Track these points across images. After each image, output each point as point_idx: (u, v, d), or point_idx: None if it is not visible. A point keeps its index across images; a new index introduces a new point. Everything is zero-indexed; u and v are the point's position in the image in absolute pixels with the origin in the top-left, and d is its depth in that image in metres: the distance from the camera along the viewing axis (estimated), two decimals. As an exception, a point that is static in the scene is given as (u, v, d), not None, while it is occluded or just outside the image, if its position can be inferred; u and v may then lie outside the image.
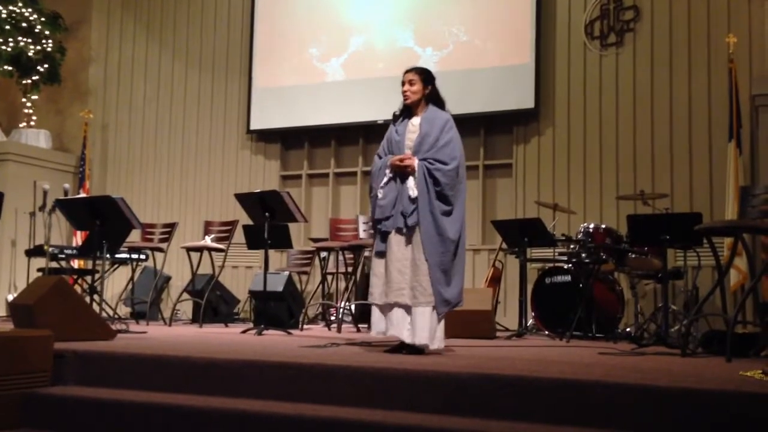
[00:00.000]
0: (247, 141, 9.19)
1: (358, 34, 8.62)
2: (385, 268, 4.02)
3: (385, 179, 4.07)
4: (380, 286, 4.03)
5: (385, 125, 4.38)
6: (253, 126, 9.01)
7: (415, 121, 4.19)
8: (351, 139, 8.72)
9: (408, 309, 3.96)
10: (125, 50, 10.02)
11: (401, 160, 4.03)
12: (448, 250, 3.95)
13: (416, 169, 4.01)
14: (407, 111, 4.25)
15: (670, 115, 7.32)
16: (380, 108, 8.09)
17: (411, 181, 4.02)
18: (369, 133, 8.54)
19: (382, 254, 4.05)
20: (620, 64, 7.56)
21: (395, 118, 4.29)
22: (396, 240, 4.00)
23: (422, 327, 3.92)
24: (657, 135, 7.34)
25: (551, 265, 6.47)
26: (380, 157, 4.23)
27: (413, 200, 3.99)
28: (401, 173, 4.03)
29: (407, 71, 4.24)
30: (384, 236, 4.04)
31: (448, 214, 3.98)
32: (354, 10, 8.69)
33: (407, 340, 3.95)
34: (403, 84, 4.21)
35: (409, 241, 3.99)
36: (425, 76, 4.22)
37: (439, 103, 4.23)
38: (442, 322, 4.02)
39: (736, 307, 4.19)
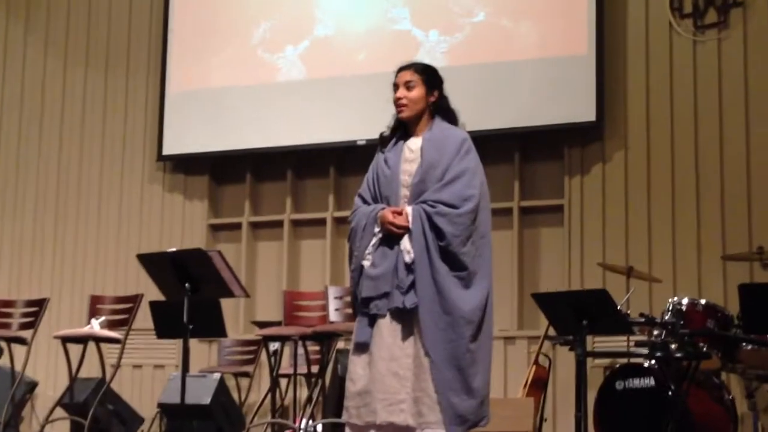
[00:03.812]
0: (157, 172, 9.22)
1: (326, 12, 8.70)
2: (370, 367, 4.02)
3: (374, 240, 4.12)
4: (359, 397, 4.03)
5: (370, 148, 4.43)
6: (168, 149, 9.05)
7: (414, 143, 4.23)
8: (317, 169, 8.76)
9: (410, 432, 3.97)
10: (-28, 35, 10.08)
11: (397, 217, 4.08)
12: (462, 336, 3.97)
13: (410, 216, 4.05)
14: (401, 129, 4.28)
15: (801, 130, 7.40)
16: (361, 121, 8.14)
17: (406, 238, 4.06)
18: (345, 160, 8.60)
19: (364, 347, 4.06)
20: (724, 53, 7.64)
21: (383, 140, 4.32)
22: (390, 327, 4.03)
23: (430, 460, 3.92)
24: (783, 161, 7.41)
25: (624, 361, 6.44)
26: (364, 201, 4.26)
27: (409, 267, 4.03)
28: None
29: (401, 69, 4.29)
30: (372, 320, 4.07)
31: (462, 281, 4.02)
32: (321, -25, 8.80)
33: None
34: (395, 88, 4.25)
35: (409, 329, 4.02)
36: (429, 76, 4.27)
37: (450, 116, 4.29)
38: (460, 452, 4.02)
39: None
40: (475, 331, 4.00)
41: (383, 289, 4.03)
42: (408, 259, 4.03)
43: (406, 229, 4.06)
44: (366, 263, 4.11)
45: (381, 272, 4.06)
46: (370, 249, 4.11)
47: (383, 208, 4.14)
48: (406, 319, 4.02)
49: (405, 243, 4.05)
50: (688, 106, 7.69)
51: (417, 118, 4.23)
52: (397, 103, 4.22)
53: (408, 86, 4.21)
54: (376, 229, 4.11)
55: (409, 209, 4.08)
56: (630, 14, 7.90)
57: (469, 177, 4.12)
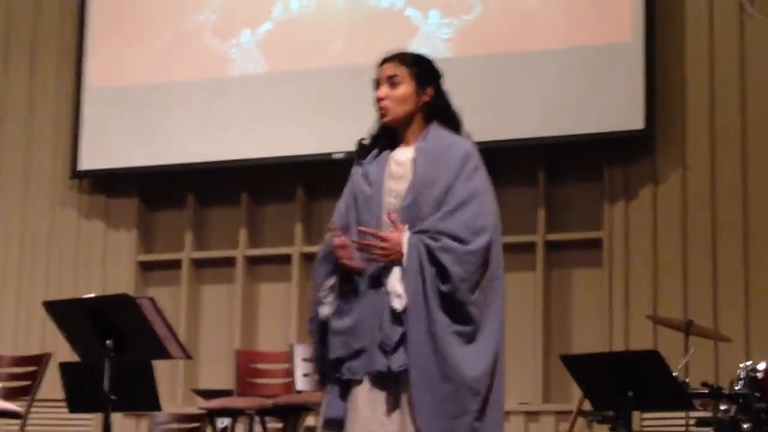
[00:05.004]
0: (71, 192, 9.25)
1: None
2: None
3: (331, 281, 4.11)
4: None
5: (350, 163, 4.43)
6: (85, 163, 9.07)
7: (403, 155, 4.24)
8: (281, 191, 8.82)
9: None
10: None
11: (384, 240, 4.00)
12: (466, 410, 3.95)
13: (405, 249, 4.03)
14: (387, 137, 4.30)
15: None
16: (338, 129, 8.15)
17: (395, 277, 4.04)
18: (317, 179, 8.65)
19: (336, 425, 4.06)
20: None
21: (362, 150, 4.33)
22: (367, 397, 4.02)
23: None
24: None
25: (682, 444, 6.46)
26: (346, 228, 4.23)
27: (399, 319, 4.00)
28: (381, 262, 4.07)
29: (384, 61, 4.29)
30: (345, 389, 4.06)
31: (466, 339, 4.01)
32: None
33: None
34: (376, 85, 4.27)
35: (394, 400, 4.01)
36: (420, 69, 4.28)
37: (450, 121, 4.29)
38: None
39: None
40: (482, 405, 3.98)
41: (356, 344, 4.02)
42: (398, 305, 3.98)
43: (392, 254, 4.02)
44: (326, 310, 4.11)
45: (352, 323, 4.04)
46: (328, 284, 4.11)
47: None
48: (390, 387, 4.00)
49: (394, 283, 4.01)
50: (764, 109, 7.74)
51: (405, 122, 4.23)
52: (379, 105, 4.22)
53: (392, 83, 4.21)
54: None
55: (405, 238, 4.02)
56: (687, -8, 8.00)
57: (479, 202, 4.10)
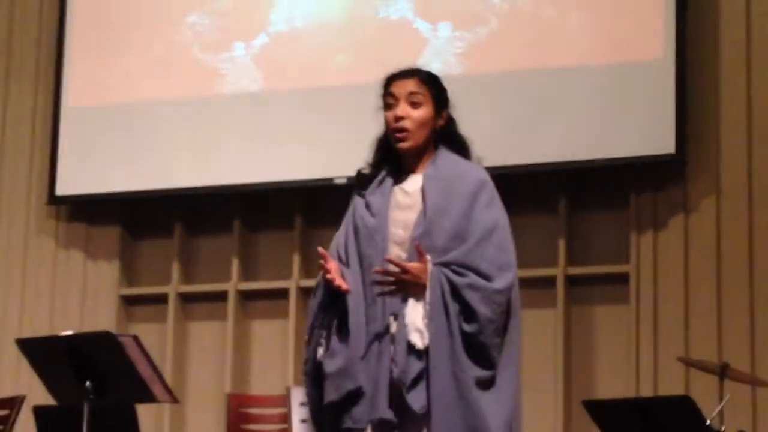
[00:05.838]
0: (48, 220, 9.25)
1: (290, -4, 8.79)
2: None
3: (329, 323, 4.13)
4: None
5: (350, 188, 4.46)
6: (63, 188, 9.07)
7: (411, 184, 4.25)
8: (277, 219, 8.82)
9: None
10: None
11: (406, 272, 3.97)
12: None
13: (429, 281, 4.02)
14: (390, 164, 4.30)
15: None
16: (340, 151, 8.18)
17: (413, 311, 4.03)
18: (316, 206, 8.66)
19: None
20: None
21: (362, 180, 4.33)
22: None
23: None
24: None
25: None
26: (343, 265, 4.22)
27: (419, 354, 4.00)
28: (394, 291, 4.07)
29: (399, 76, 4.28)
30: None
31: (486, 384, 4.01)
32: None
33: None
34: (390, 101, 4.26)
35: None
36: (438, 90, 4.28)
37: (459, 146, 4.31)
38: None
39: None
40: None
41: (347, 386, 3.99)
42: (419, 342, 3.97)
43: (407, 290, 4.00)
44: (320, 351, 4.10)
45: (345, 363, 4.01)
46: (325, 322, 4.10)
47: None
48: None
49: (413, 316, 4.00)
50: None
51: (419, 149, 4.22)
52: (396, 126, 4.18)
53: (413, 101, 4.19)
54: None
55: (429, 268, 3.98)
56: (724, 2, 7.95)
57: (500, 236, 4.10)
